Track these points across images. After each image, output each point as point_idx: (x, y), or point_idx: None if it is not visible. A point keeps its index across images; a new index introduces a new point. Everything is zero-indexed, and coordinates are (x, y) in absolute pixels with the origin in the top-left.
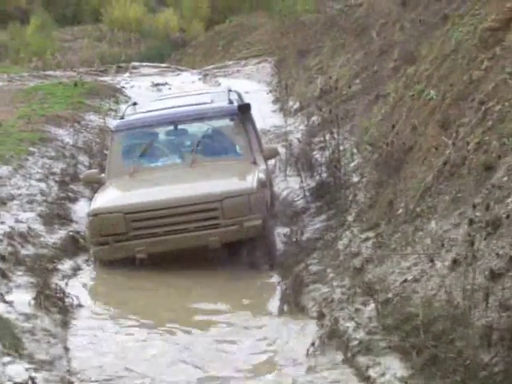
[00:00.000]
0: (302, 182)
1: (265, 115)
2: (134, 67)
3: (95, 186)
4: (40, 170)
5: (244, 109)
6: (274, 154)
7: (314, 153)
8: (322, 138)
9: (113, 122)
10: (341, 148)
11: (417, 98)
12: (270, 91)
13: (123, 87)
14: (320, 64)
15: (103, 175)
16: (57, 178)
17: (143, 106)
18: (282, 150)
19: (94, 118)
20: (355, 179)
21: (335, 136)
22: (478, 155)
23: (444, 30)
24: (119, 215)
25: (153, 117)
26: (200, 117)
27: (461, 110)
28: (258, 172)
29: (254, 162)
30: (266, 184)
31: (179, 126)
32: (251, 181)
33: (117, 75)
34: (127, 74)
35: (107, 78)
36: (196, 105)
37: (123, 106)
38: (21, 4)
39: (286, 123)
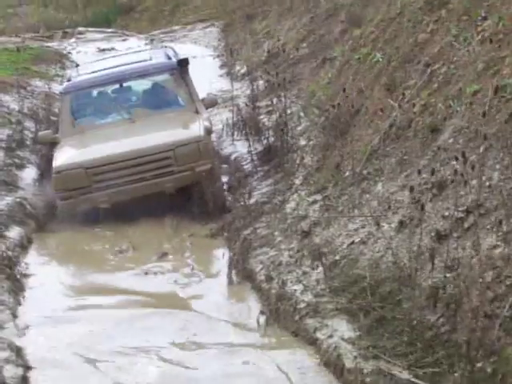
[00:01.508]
0: (249, 146)
1: (212, 80)
2: (80, 33)
3: (44, 152)
4: None
5: (183, 63)
6: (214, 102)
7: (262, 117)
8: (269, 102)
9: (61, 86)
10: (288, 112)
11: (363, 61)
12: (217, 56)
13: (69, 53)
14: (267, 28)
15: (57, 135)
16: (3, 145)
17: (87, 67)
18: (229, 115)
19: (39, 84)
20: (302, 142)
21: (282, 100)
22: (423, 117)
23: None
24: (81, 170)
25: (98, 77)
26: (143, 73)
27: (407, 73)
28: (202, 120)
29: (197, 112)
30: (211, 131)
31: (124, 84)
32: (198, 129)
33: (63, 41)
34: (73, 40)
35: (53, 44)
36: (137, 62)
37: (69, 71)
38: None
39: (233, 88)
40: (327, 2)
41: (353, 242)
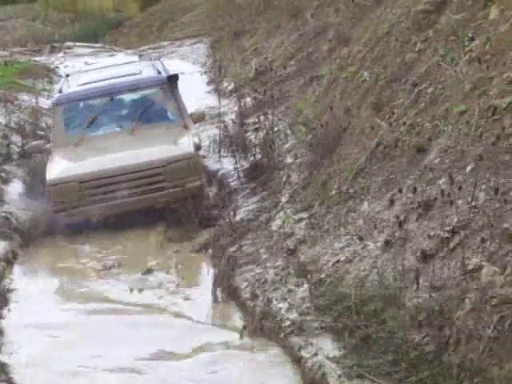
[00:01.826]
0: (236, 163)
1: (199, 96)
2: (68, 47)
3: (30, 166)
4: None
5: (173, 78)
6: (201, 117)
7: (249, 134)
8: (256, 119)
9: (52, 97)
10: (275, 129)
11: (350, 80)
12: (205, 72)
13: (57, 67)
14: (255, 45)
15: (49, 145)
16: None
17: (78, 78)
18: (216, 131)
19: (27, 98)
20: (289, 160)
21: (269, 117)
22: (410, 137)
23: (378, 13)
24: (74, 184)
25: (89, 89)
26: (134, 87)
27: (394, 92)
28: (192, 136)
29: (186, 126)
30: (200, 147)
31: (115, 97)
32: (188, 146)
33: (51, 55)
34: (61, 54)
35: (41, 58)
36: (127, 76)
37: (56, 86)
38: None
39: (221, 104)
40: (315, 21)
41: (338, 261)
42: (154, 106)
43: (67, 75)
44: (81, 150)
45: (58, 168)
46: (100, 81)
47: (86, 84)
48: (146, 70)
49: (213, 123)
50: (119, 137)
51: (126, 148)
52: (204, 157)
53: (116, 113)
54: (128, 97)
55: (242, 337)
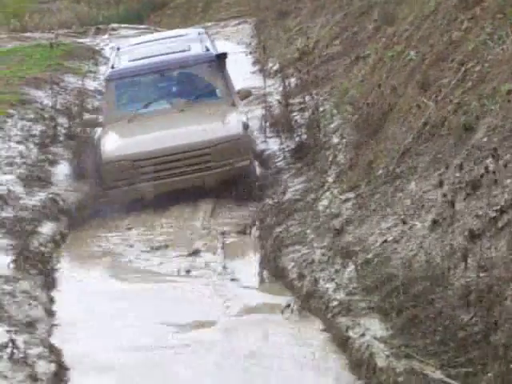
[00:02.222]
0: (281, 143)
1: (244, 76)
2: (113, 29)
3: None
4: (19, 133)
5: (221, 56)
6: (248, 94)
7: (294, 114)
8: (301, 100)
9: (105, 72)
10: (320, 109)
11: (396, 59)
12: (250, 53)
13: (102, 49)
14: (300, 25)
15: (101, 120)
16: (36, 140)
17: (129, 52)
18: (261, 112)
19: (72, 80)
20: (335, 140)
21: (315, 97)
22: (457, 116)
23: None
24: (129, 163)
25: (141, 65)
26: (183, 64)
27: (440, 71)
28: (240, 115)
29: (233, 104)
30: (248, 126)
31: (165, 74)
32: (237, 126)
33: (96, 37)
34: (106, 36)
35: (86, 40)
36: (177, 52)
37: (102, 68)
38: None
39: (266, 85)
40: (360, 0)
41: (385, 241)
42: (202, 83)
43: (118, 48)
44: (132, 126)
45: (112, 145)
46: (150, 57)
47: (136, 60)
48: (194, 46)
49: (258, 103)
50: (169, 114)
51: (175, 126)
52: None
53: (165, 89)
54: (177, 73)
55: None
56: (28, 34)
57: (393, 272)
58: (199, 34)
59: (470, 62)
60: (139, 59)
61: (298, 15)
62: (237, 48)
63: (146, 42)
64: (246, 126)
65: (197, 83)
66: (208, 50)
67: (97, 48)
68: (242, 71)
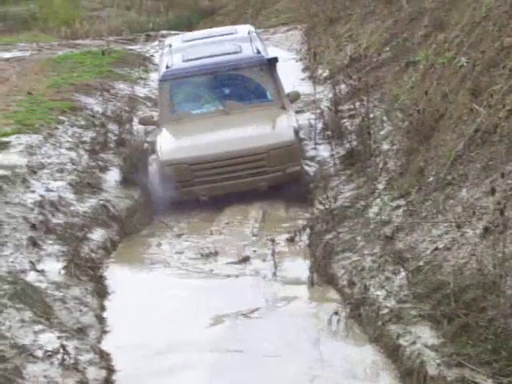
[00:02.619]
0: (332, 149)
1: (294, 83)
2: (163, 36)
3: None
4: (70, 139)
5: (272, 60)
6: (297, 97)
7: (344, 121)
8: (351, 106)
9: (159, 73)
10: (371, 116)
11: (447, 66)
12: (300, 59)
13: (152, 56)
14: (350, 31)
15: (157, 119)
16: (87, 147)
17: (181, 50)
18: (311, 118)
19: (123, 87)
20: (385, 147)
21: (365, 103)
22: (509, 122)
23: None
24: (185, 166)
25: (194, 67)
26: (236, 67)
27: (492, 77)
28: (290, 119)
29: (283, 107)
30: (298, 131)
31: (218, 75)
32: (289, 132)
33: (146, 44)
34: (156, 43)
35: (136, 47)
36: (229, 54)
37: (152, 75)
38: None
39: (316, 91)
40: (410, 6)
41: (436, 248)
42: (253, 86)
43: (170, 45)
44: (188, 128)
45: (169, 148)
46: (203, 57)
47: (190, 60)
48: (245, 48)
49: (308, 110)
50: (222, 115)
51: (230, 130)
52: (303, 140)
53: (218, 90)
54: (230, 75)
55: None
56: (78, 41)
57: (444, 279)
58: (249, 32)
59: None
60: (192, 60)
61: (347, 21)
62: (287, 54)
63: (198, 39)
64: (296, 132)
65: (248, 85)
66: (259, 52)
67: (147, 55)
68: (291, 78)
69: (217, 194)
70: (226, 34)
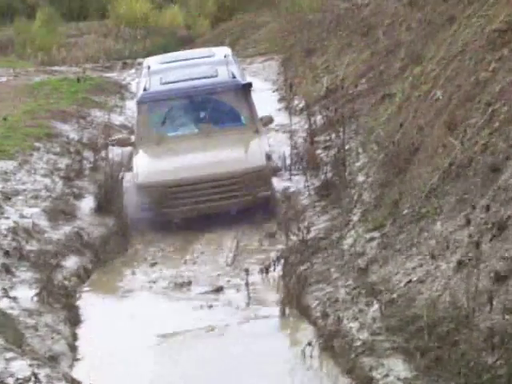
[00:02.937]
0: (306, 180)
1: (270, 113)
2: (140, 64)
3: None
4: (45, 166)
5: (247, 85)
6: (270, 121)
7: (319, 152)
8: (327, 137)
9: (137, 95)
10: (346, 147)
11: (423, 99)
12: (276, 89)
13: (129, 83)
14: (326, 63)
15: (133, 141)
16: (62, 174)
17: (158, 72)
18: (286, 149)
19: (99, 114)
20: (360, 179)
21: (341, 135)
22: (484, 156)
23: (451, 31)
24: (161, 189)
25: (171, 90)
26: (212, 91)
27: (467, 111)
28: (263, 144)
29: (257, 130)
30: (270, 156)
31: (194, 99)
32: (260, 158)
33: (122, 71)
34: (133, 71)
35: (113, 74)
36: (205, 78)
37: (128, 103)
38: None
39: (292, 122)
40: (387, 38)
41: (410, 281)
42: (228, 109)
43: (149, 67)
44: (164, 150)
45: (146, 171)
46: (180, 81)
47: (167, 83)
48: (221, 72)
49: (283, 141)
50: (197, 138)
51: (204, 154)
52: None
53: (194, 113)
54: (205, 99)
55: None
56: (55, 68)
57: (417, 312)
58: (225, 56)
59: (497, 102)
60: (170, 83)
61: (324, 53)
62: (263, 85)
63: (176, 61)
64: (268, 157)
65: (223, 109)
66: (234, 76)
67: (123, 83)
68: (268, 108)
69: (190, 216)
70: (204, 57)
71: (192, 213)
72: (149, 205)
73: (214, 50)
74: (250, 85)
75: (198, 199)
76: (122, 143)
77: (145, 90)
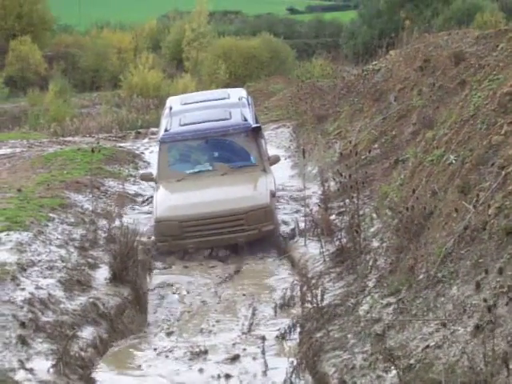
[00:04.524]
0: (321, 246)
1: (284, 180)
2: (153, 133)
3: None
4: (60, 236)
5: (256, 128)
6: (277, 160)
7: (333, 218)
8: (341, 203)
9: (159, 134)
10: (360, 213)
11: (436, 163)
12: (289, 156)
13: (142, 153)
14: (338, 129)
15: (155, 176)
16: (76, 244)
17: (178, 113)
18: (300, 216)
19: (113, 184)
20: (375, 244)
21: (354, 201)
22: (498, 220)
23: (462, 95)
24: (176, 223)
25: (189, 131)
26: (225, 133)
27: (481, 175)
28: (269, 182)
29: (264, 170)
30: (275, 194)
31: (209, 140)
32: (266, 195)
33: (136, 141)
34: (146, 140)
35: (126, 144)
36: (219, 120)
37: (142, 171)
38: (40, 71)
39: (305, 188)
40: (399, 104)
41: (427, 346)
42: (239, 149)
43: (171, 108)
44: (180, 186)
45: (164, 206)
46: (197, 123)
47: (186, 125)
48: (234, 114)
49: (297, 207)
50: (211, 176)
51: (216, 190)
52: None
53: (209, 153)
54: (219, 140)
55: None
56: (68, 138)
57: (435, 378)
58: (240, 98)
59: (510, 166)
60: (188, 124)
61: (336, 119)
62: (276, 152)
63: (195, 102)
64: (273, 194)
65: (235, 149)
66: (246, 119)
67: (137, 152)
68: (281, 175)
69: (202, 247)
70: (219, 99)
71: (203, 244)
72: (165, 237)
73: (229, 91)
74: (259, 128)
75: (208, 232)
76: (146, 178)
77: (166, 130)
